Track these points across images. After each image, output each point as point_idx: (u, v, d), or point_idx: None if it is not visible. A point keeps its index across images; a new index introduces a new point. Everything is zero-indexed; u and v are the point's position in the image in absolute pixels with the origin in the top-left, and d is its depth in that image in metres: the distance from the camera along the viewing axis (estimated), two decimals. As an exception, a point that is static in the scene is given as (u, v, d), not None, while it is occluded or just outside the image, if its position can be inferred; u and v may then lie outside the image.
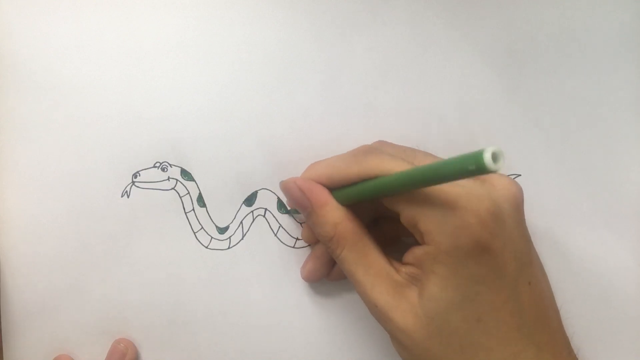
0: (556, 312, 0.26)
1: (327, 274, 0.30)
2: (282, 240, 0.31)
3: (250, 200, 0.31)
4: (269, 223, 0.31)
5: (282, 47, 0.31)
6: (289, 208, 0.31)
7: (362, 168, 0.26)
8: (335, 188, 0.27)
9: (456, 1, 0.31)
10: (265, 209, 0.31)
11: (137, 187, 0.31)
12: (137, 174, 0.31)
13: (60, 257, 0.31)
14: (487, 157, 0.18)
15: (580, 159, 0.31)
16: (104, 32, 0.31)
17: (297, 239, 0.31)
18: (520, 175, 0.31)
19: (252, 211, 0.31)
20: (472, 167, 0.19)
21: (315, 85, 0.31)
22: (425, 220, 0.24)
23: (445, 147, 0.31)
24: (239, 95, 0.31)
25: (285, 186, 0.28)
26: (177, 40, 0.31)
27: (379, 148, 0.27)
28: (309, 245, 0.31)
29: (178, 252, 0.31)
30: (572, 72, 0.31)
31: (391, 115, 0.31)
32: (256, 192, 0.31)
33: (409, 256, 0.25)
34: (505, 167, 0.30)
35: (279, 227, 0.31)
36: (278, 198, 0.31)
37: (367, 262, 0.26)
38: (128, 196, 0.31)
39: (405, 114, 0.31)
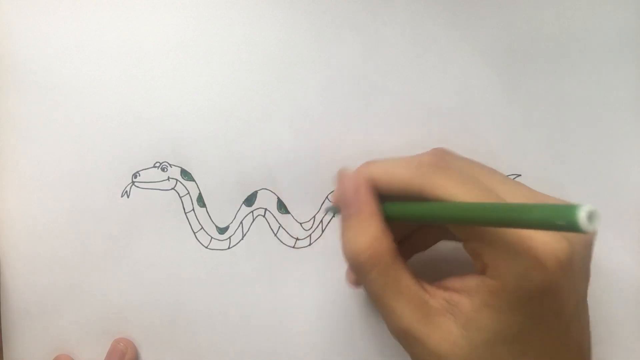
0: (589, 343, 0.25)
1: None
2: (282, 240, 0.31)
3: (250, 200, 0.31)
4: (269, 223, 0.31)
5: (282, 47, 0.31)
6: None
7: (425, 185, 0.23)
8: (387, 195, 0.25)
9: (456, 1, 0.31)
10: (265, 209, 0.31)
11: (137, 187, 0.31)
12: (137, 174, 0.31)
13: (60, 257, 0.31)
14: (582, 217, 0.16)
15: (580, 159, 0.31)
16: (104, 32, 0.31)
17: (297, 239, 0.31)
18: (520, 175, 0.31)
19: (252, 211, 0.31)
20: (561, 222, 0.17)
21: (315, 85, 0.31)
22: (493, 255, 0.22)
23: (445, 147, 0.30)
24: (239, 95, 0.31)
25: (342, 176, 0.26)
26: (177, 40, 0.31)
27: (446, 162, 0.24)
28: (308, 246, 0.31)
29: (178, 252, 0.31)
30: (572, 72, 0.31)
31: (391, 115, 0.31)
32: (256, 192, 0.31)
33: (457, 282, 0.23)
34: (505, 167, 0.30)
35: (279, 227, 0.31)
36: (278, 198, 0.31)
37: (398, 288, 0.23)
38: (128, 196, 0.31)
39: (405, 114, 0.31)
